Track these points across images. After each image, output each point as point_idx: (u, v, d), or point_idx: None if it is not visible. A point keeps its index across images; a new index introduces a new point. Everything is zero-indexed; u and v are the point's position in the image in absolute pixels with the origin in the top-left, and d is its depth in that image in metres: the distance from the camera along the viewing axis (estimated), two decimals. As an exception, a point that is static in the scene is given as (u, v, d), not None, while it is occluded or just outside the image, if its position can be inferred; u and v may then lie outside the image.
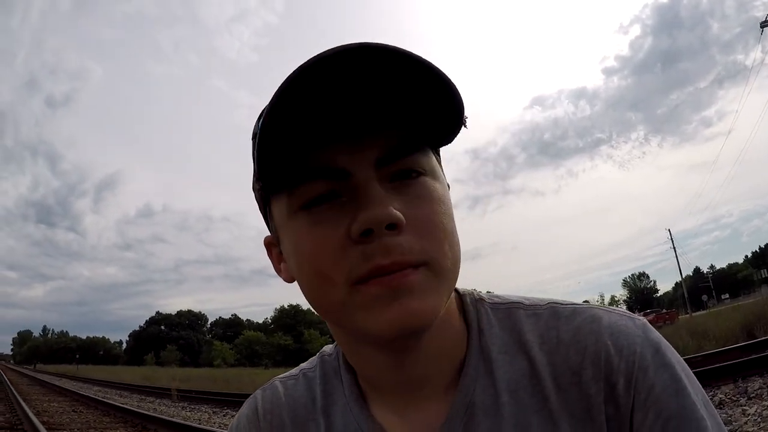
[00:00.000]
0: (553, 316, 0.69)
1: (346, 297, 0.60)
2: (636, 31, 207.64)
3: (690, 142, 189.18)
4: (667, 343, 0.66)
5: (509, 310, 0.72)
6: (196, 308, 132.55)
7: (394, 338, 0.60)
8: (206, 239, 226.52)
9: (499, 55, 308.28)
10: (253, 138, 0.65)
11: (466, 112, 0.62)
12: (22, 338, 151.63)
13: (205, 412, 15.58)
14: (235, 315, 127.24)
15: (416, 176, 0.62)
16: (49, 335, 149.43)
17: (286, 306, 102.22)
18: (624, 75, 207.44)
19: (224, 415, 14.46)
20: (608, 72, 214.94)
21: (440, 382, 0.69)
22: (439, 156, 0.69)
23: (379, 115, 0.60)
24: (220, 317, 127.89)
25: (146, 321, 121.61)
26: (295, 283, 0.69)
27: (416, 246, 0.59)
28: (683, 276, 67.58)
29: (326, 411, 0.77)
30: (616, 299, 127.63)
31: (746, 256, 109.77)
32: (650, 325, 0.67)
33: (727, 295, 77.67)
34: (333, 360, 0.81)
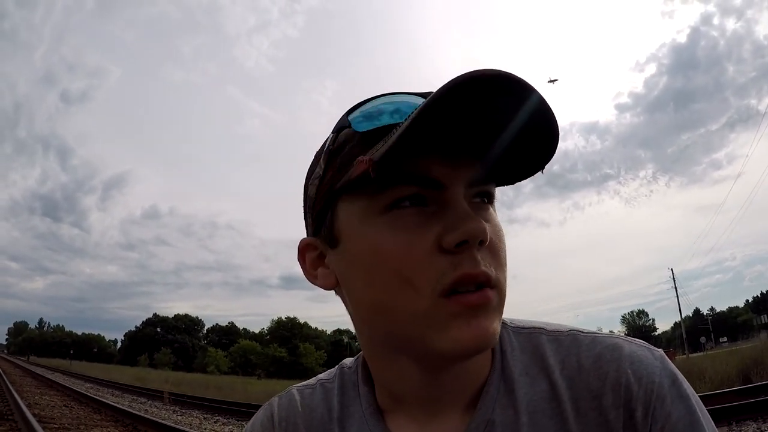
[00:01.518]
0: (575, 343, 0.70)
1: (430, 308, 0.60)
2: (652, 69, 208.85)
3: (698, 183, 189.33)
4: (683, 376, 0.67)
5: (531, 335, 0.73)
6: (193, 313, 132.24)
7: (461, 357, 0.63)
8: (209, 245, 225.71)
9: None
10: (336, 131, 0.68)
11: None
12: (18, 329, 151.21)
13: (197, 417, 15.56)
14: (232, 323, 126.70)
15: (487, 202, 0.66)
16: (45, 328, 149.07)
17: (283, 318, 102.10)
18: (637, 112, 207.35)
19: (215, 422, 14.46)
20: (621, 108, 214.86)
21: (462, 400, 0.70)
22: None
23: (484, 141, 0.62)
24: (216, 324, 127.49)
25: (143, 322, 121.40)
26: (327, 292, 0.71)
27: (492, 264, 0.62)
28: (683, 316, 67.09)
29: (342, 423, 0.77)
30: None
31: (747, 301, 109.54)
32: (667, 358, 0.69)
33: (726, 339, 77.54)
34: (352, 373, 0.81)
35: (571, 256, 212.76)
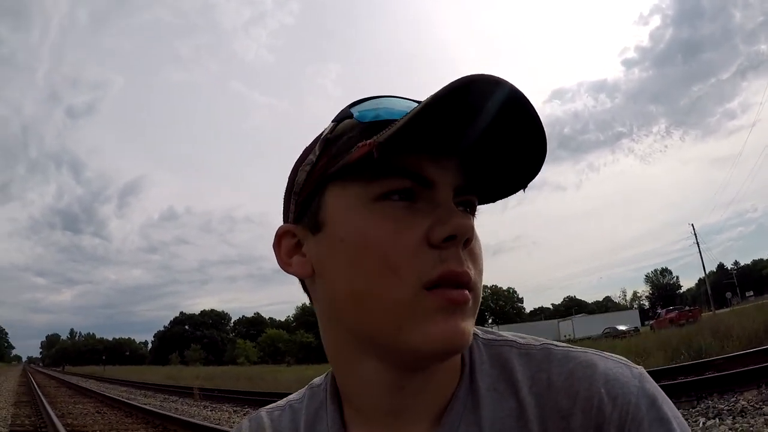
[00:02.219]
0: (546, 358, 0.68)
1: (412, 299, 0.60)
2: (656, 21, 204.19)
3: (713, 135, 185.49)
4: (665, 395, 0.64)
5: (501, 348, 0.72)
6: (220, 308, 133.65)
7: (433, 355, 0.62)
8: (230, 240, 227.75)
9: (517, 49, 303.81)
10: (336, 121, 0.68)
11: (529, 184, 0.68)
12: (50, 341, 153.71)
13: (226, 411, 15.71)
14: (258, 313, 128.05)
15: (470, 211, 0.67)
16: (77, 338, 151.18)
17: (307, 304, 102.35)
18: (645, 67, 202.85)
19: (244, 414, 14.50)
20: (628, 64, 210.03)
21: (428, 414, 0.69)
22: None
23: (477, 149, 0.63)
24: (243, 316, 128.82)
25: (171, 321, 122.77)
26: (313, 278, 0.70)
27: (472, 269, 0.62)
28: (707, 272, 66.63)
29: None
30: (639, 295, 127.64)
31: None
32: (648, 376, 0.65)
33: (752, 293, 76.51)
34: (321, 391, 0.80)
35: (589, 219, 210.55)
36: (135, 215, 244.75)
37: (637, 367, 0.66)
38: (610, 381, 0.63)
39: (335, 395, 0.76)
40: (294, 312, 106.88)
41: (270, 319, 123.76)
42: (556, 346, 0.70)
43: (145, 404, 17.36)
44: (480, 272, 0.64)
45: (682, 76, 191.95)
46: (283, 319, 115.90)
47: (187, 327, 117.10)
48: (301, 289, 0.75)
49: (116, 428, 12.92)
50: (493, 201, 0.72)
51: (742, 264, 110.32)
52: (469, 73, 0.55)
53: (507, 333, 0.75)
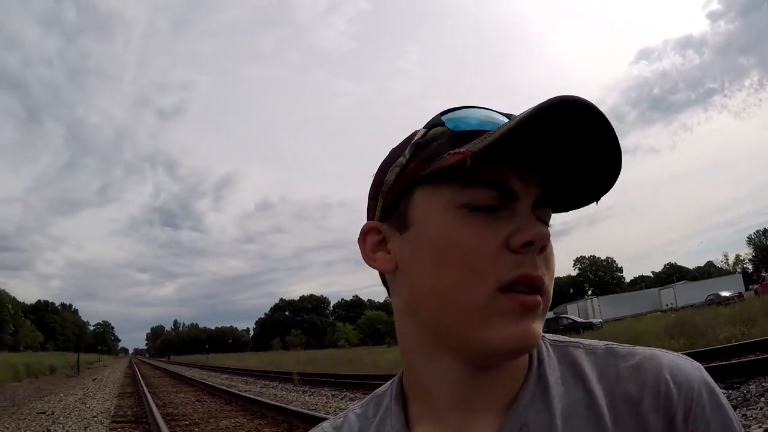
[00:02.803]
0: (612, 355, 0.72)
1: (488, 300, 0.64)
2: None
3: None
4: (717, 386, 0.69)
5: (568, 348, 0.75)
6: (319, 292, 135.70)
7: (505, 353, 0.66)
8: (325, 225, 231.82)
9: (598, 8, 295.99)
10: (428, 127, 0.72)
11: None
12: (155, 333, 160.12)
13: (324, 395, 15.49)
14: (357, 296, 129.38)
15: (546, 221, 0.70)
16: (180, 328, 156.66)
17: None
18: (731, 18, 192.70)
19: (342, 398, 14.32)
20: (713, 16, 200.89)
21: (496, 405, 0.71)
22: None
23: (555, 165, 0.67)
24: (342, 299, 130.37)
25: (271, 308, 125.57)
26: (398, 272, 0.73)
27: (546, 273, 0.66)
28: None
29: None
30: (741, 258, 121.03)
31: None
32: (704, 369, 0.70)
33: None
34: (386, 396, 0.82)
35: (686, 181, 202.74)
36: (230, 207, 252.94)
37: (696, 362, 0.71)
38: (674, 371, 0.67)
39: (399, 397, 0.78)
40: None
41: (369, 301, 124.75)
42: (619, 346, 0.74)
43: (245, 391, 17.34)
44: (552, 278, 0.68)
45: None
46: (381, 301, 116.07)
47: (287, 313, 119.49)
48: (381, 283, 0.79)
49: (215, 416, 12.83)
50: (566, 211, 0.75)
51: None
52: (560, 93, 0.60)
53: (570, 338, 0.79)
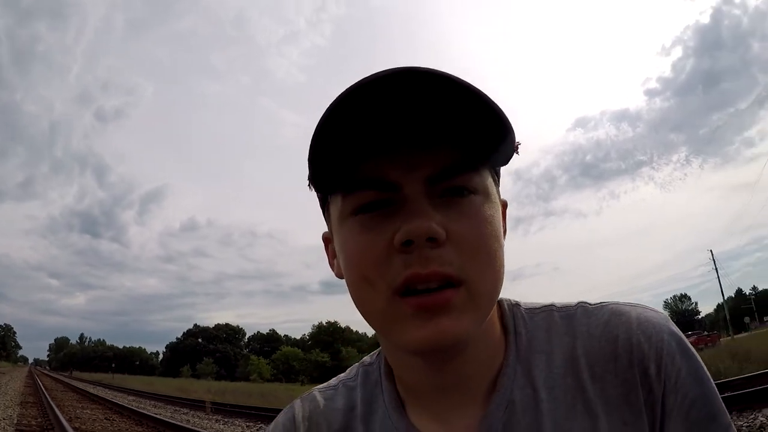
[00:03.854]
0: (584, 314, 0.73)
1: (386, 306, 0.63)
2: (678, 52, 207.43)
3: (732, 162, 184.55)
4: (683, 334, 0.71)
5: (542, 313, 0.76)
6: (235, 322, 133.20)
7: (422, 354, 0.66)
8: (249, 254, 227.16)
9: (542, 78, 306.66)
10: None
11: (518, 140, 0.67)
12: (59, 345, 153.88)
13: (239, 425, 15.22)
14: (273, 330, 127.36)
15: (467, 194, 0.65)
16: (86, 343, 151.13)
17: (324, 323, 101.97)
18: (666, 96, 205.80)
19: (258, 429, 14.10)
20: (651, 93, 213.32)
21: (480, 386, 0.72)
22: (497, 175, 0.72)
23: (431, 134, 0.63)
24: (258, 332, 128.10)
25: (184, 333, 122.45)
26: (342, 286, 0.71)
27: (456, 261, 0.62)
28: (725, 298, 65.66)
29: (365, 419, 0.78)
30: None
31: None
32: (670, 319, 0.72)
33: (770, 318, 75.42)
34: (374, 369, 0.82)
35: (610, 246, 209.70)
36: (155, 223, 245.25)
37: (662, 312, 0.72)
38: (642, 323, 0.69)
39: (390, 373, 0.78)
40: (310, 330, 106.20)
41: (285, 336, 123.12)
42: (590, 303, 0.75)
43: (157, 414, 16.81)
44: (477, 260, 0.63)
45: (702, 106, 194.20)
46: (298, 337, 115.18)
47: (200, 340, 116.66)
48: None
49: (125, 436, 12.35)
50: (497, 166, 0.71)
51: (760, 289, 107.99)
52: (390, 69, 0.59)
53: (544, 301, 0.79)
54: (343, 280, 0.71)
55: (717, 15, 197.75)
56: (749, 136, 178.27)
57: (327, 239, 0.78)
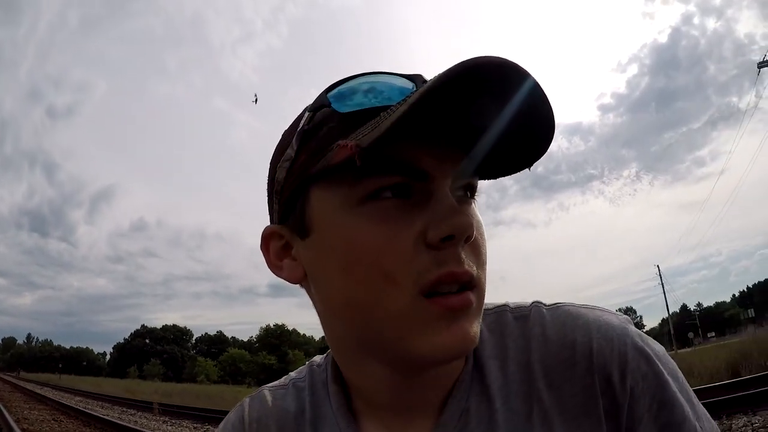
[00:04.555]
0: (538, 316, 0.68)
1: (409, 307, 0.57)
2: (634, 69, 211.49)
3: (682, 181, 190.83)
4: (646, 336, 0.67)
5: (497, 314, 0.71)
6: (183, 324, 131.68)
7: (442, 361, 0.60)
8: (197, 256, 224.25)
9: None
10: (313, 110, 0.63)
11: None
12: (6, 345, 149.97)
13: (186, 427, 15.42)
14: (221, 332, 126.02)
15: (470, 196, 0.63)
16: (33, 343, 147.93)
17: (271, 325, 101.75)
18: (619, 112, 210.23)
19: (205, 431, 14.36)
20: (604, 109, 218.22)
21: (437, 396, 0.68)
22: None
23: (473, 133, 0.59)
24: (205, 333, 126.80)
25: (131, 334, 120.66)
26: (296, 287, 0.67)
27: (472, 263, 0.59)
28: (670, 313, 67.54)
29: (314, 424, 0.74)
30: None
31: (734, 295, 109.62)
32: (630, 320, 0.68)
33: (714, 334, 77.42)
34: (321, 371, 0.78)
35: (557, 256, 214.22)
36: (105, 223, 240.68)
37: (622, 314, 0.68)
38: (602, 327, 0.65)
39: (337, 376, 0.74)
40: (257, 333, 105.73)
41: (233, 338, 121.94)
42: (545, 303, 0.70)
43: (104, 415, 16.94)
44: (483, 264, 0.61)
45: (655, 124, 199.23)
46: (246, 339, 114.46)
47: (147, 341, 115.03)
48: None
49: (74, 436, 12.56)
50: (495, 178, 0.67)
51: (705, 306, 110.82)
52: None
53: (498, 301, 0.74)
54: (294, 285, 0.67)
55: (675, 35, 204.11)
56: (700, 156, 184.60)
57: (273, 234, 0.69)
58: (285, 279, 0.68)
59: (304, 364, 0.82)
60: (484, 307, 0.68)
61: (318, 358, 0.82)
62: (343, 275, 0.60)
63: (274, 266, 0.69)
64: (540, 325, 0.67)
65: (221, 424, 0.82)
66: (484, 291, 0.61)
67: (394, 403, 0.68)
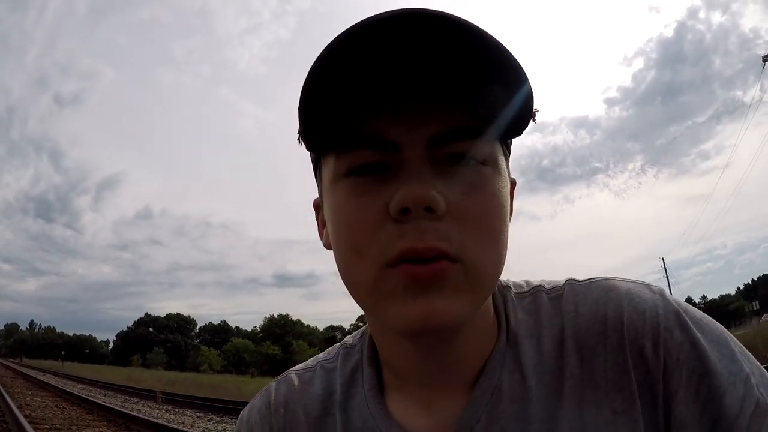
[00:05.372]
0: (571, 293, 0.68)
1: (375, 279, 0.56)
2: (640, 63, 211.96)
3: (687, 174, 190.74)
4: (686, 304, 0.64)
5: (533, 295, 0.71)
6: (186, 312, 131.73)
7: (413, 334, 0.59)
8: (202, 245, 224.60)
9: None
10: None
11: (536, 106, 0.59)
12: (9, 331, 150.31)
13: (189, 416, 15.45)
14: (225, 321, 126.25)
15: (473, 164, 0.57)
16: (36, 330, 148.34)
17: (275, 315, 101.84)
18: (625, 106, 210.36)
19: (208, 420, 14.35)
20: (610, 102, 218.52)
21: (469, 372, 0.66)
22: (508, 149, 0.65)
23: (439, 89, 0.55)
24: (209, 323, 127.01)
25: (134, 322, 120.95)
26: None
27: (455, 237, 0.55)
28: (675, 306, 67.78)
29: (344, 406, 0.73)
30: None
31: (738, 288, 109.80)
32: (666, 291, 0.66)
33: (719, 326, 78.02)
34: (356, 352, 0.77)
35: (562, 249, 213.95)
36: (110, 210, 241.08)
37: (657, 286, 0.66)
38: (634, 300, 0.63)
39: (373, 357, 0.73)
40: (261, 323, 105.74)
41: (236, 328, 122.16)
42: (578, 280, 0.70)
43: (107, 403, 16.96)
44: (477, 236, 0.56)
45: (660, 117, 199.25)
46: (249, 329, 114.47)
47: (151, 329, 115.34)
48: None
49: (77, 423, 12.60)
50: (510, 137, 0.64)
51: (709, 298, 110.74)
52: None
53: (534, 280, 0.74)
54: (331, 252, 0.65)
55: (681, 29, 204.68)
56: (705, 149, 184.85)
57: (317, 206, 0.71)
58: (324, 246, 0.69)
59: (308, 354, 0.80)
60: (520, 289, 0.72)
61: (350, 339, 0.80)
62: (334, 244, 0.62)
63: (320, 233, 0.71)
64: (573, 302, 0.67)
65: (245, 411, 0.80)
66: (480, 267, 0.57)
67: (424, 378, 0.67)
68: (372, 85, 0.54)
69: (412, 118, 0.55)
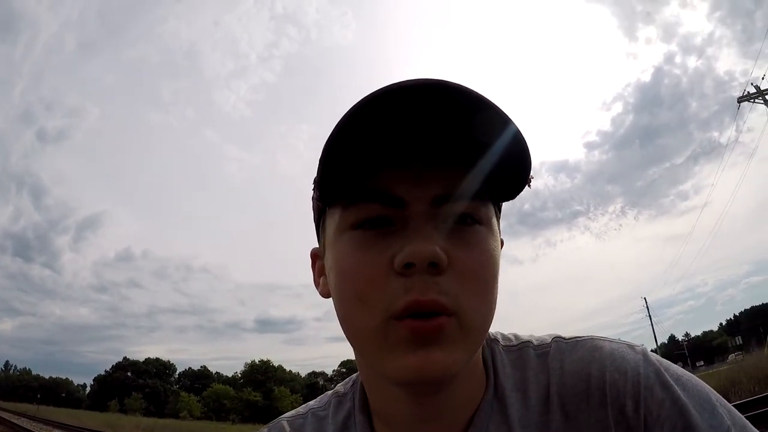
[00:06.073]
0: (558, 351, 0.71)
1: (379, 329, 0.60)
2: (618, 108, 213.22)
3: (666, 214, 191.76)
4: (668, 362, 0.69)
5: (520, 350, 0.74)
6: (166, 357, 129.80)
7: (412, 384, 0.62)
8: (183, 288, 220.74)
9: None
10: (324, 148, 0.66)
11: (531, 173, 0.65)
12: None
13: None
14: (205, 367, 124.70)
15: (471, 223, 0.63)
16: (11, 371, 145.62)
17: (257, 361, 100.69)
18: (605, 149, 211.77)
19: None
20: (590, 146, 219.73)
21: (457, 422, 0.69)
22: (499, 210, 0.71)
23: (446, 153, 0.61)
24: (189, 368, 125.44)
25: (113, 366, 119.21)
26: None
27: (452, 291, 0.59)
28: (658, 344, 68.00)
29: None
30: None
31: (721, 324, 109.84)
32: (648, 350, 0.70)
33: (702, 362, 77.99)
34: (348, 400, 0.79)
35: (545, 292, 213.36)
36: (90, 251, 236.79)
37: (639, 345, 0.71)
38: (617, 360, 0.67)
39: (365, 406, 0.75)
40: (242, 368, 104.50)
41: (217, 373, 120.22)
42: (565, 338, 0.73)
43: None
44: (474, 292, 0.61)
45: (639, 160, 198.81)
46: (230, 375, 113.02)
47: (129, 374, 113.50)
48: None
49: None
50: (500, 201, 0.70)
51: (692, 335, 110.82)
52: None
53: (523, 334, 0.77)
54: (329, 300, 0.69)
55: (658, 74, 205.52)
56: (684, 190, 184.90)
57: (315, 255, 0.76)
58: (320, 294, 0.74)
59: (289, 400, 0.83)
60: (508, 343, 0.76)
61: (341, 387, 0.82)
62: (336, 293, 0.65)
63: (315, 282, 0.75)
64: (559, 359, 0.70)
65: None
66: (476, 320, 0.62)
67: (414, 427, 0.69)
68: (385, 146, 0.59)
69: (418, 178, 0.60)
